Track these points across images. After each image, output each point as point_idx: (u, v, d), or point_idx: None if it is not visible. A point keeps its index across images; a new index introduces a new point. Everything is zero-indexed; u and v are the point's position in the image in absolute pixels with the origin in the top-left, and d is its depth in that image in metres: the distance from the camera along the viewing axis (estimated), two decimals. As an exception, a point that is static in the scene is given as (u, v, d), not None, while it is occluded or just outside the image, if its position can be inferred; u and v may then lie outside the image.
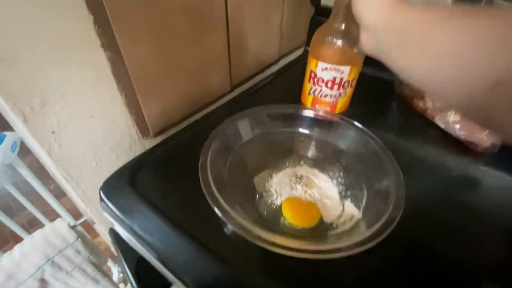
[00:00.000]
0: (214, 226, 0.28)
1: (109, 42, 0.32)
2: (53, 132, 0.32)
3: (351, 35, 0.36)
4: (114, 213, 0.30)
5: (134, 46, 0.34)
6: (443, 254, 0.28)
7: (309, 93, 0.42)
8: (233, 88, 0.57)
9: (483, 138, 0.39)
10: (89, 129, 0.35)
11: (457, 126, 0.41)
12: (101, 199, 0.32)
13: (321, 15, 0.61)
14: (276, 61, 0.68)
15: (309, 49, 0.41)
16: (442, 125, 0.44)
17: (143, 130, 0.41)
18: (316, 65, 0.39)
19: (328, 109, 0.44)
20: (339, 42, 0.37)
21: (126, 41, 0.33)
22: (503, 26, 0.15)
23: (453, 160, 0.39)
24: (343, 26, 0.36)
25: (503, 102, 0.15)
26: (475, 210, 0.33)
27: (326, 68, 0.38)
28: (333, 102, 0.43)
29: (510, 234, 0.30)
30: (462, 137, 0.41)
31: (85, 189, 0.39)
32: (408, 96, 0.50)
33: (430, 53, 0.19)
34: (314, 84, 0.41)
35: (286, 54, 0.71)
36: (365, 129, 0.37)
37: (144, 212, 0.29)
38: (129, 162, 0.35)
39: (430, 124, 0.45)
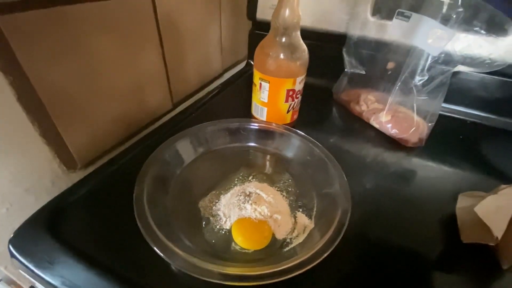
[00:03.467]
0: (161, 267, 0.24)
1: (9, 65, 0.27)
2: None
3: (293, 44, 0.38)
4: (29, 269, 0.25)
5: (45, 69, 0.30)
6: (394, 248, 0.30)
7: (287, 111, 0.42)
8: (175, 105, 0.54)
9: (411, 135, 0.43)
10: (-9, 169, 0.29)
11: (389, 125, 0.45)
12: (12, 254, 0.26)
13: (258, 29, 0.62)
14: (221, 75, 0.68)
15: (257, 70, 0.40)
16: (376, 126, 0.47)
17: (68, 162, 0.36)
18: (294, 82, 0.39)
19: (296, 116, 0.45)
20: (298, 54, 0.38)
21: (34, 64, 0.28)
22: None
23: (389, 156, 0.42)
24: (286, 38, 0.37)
25: None
26: (413, 199, 0.35)
27: (302, 79, 0.40)
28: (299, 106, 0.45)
29: (441, 216, 0.33)
30: (394, 135, 0.45)
31: (-5, 244, 0.32)
32: (345, 101, 0.53)
33: None
34: (293, 100, 0.41)
35: (229, 68, 0.71)
36: (309, 137, 0.37)
37: (69, 263, 0.24)
38: (47, 204, 0.29)
39: (366, 125, 0.49)
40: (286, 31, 0.37)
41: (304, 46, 0.39)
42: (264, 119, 0.43)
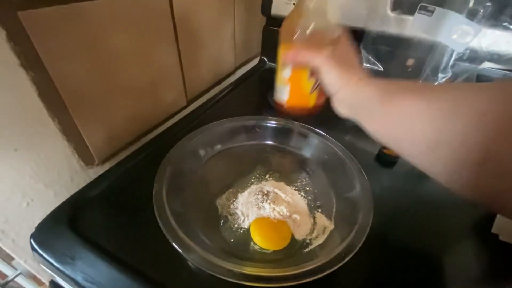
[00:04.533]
0: (179, 264, 0.24)
1: (31, 61, 0.27)
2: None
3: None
4: (51, 264, 0.25)
5: (65, 65, 0.30)
6: (417, 250, 0.29)
7: (311, 91, 0.37)
8: (189, 102, 0.54)
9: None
10: (13, 165, 0.29)
11: (409, 124, 0.43)
12: (33, 248, 0.26)
13: (272, 25, 0.61)
14: (233, 72, 0.67)
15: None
16: (395, 125, 0.46)
17: (87, 158, 0.36)
18: None
19: (322, 100, 0.40)
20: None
21: (54, 60, 0.29)
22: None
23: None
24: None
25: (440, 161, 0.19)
26: (434, 201, 0.34)
27: None
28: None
29: (463, 217, 0.32)
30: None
31: (15, 238, 0.32)
32: (362, 99, 0.52)
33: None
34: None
35: (242, 65, 0.70)
36: (327, 136, 0.37)
37: (90, 258, 0.24)
38: (68, 199, 0.30)
39: (384, 124, 0.47)
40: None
41: (335, 21, 0.35)
42: (286, 99, 0.39)
